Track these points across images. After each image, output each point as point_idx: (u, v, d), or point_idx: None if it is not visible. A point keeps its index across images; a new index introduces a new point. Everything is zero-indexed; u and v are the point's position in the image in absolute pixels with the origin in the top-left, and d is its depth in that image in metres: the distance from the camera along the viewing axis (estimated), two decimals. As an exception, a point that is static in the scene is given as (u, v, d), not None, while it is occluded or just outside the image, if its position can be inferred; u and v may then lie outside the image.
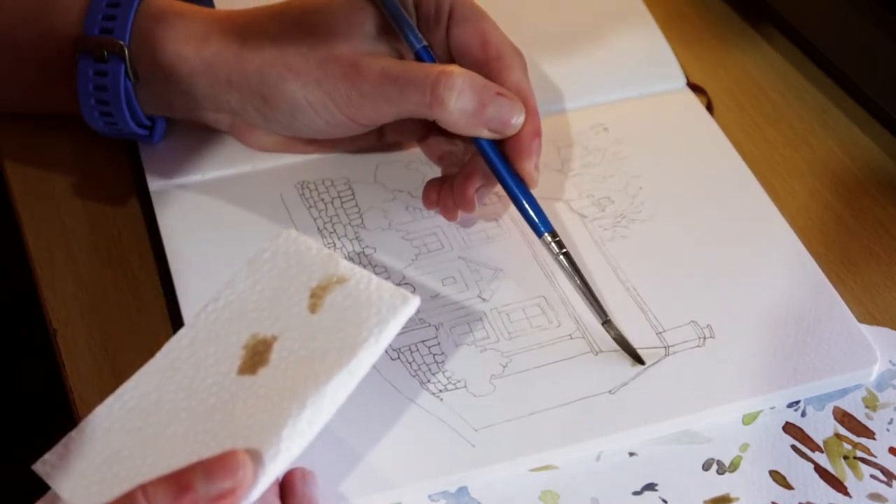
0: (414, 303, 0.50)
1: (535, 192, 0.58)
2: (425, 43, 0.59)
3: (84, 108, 0.60)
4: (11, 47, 0.61)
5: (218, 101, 0.60)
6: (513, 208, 0.59)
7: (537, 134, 0.58)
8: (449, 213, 0.60)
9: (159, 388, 0.50)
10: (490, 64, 0.59)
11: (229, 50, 0.59)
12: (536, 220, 0.58)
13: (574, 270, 0.57)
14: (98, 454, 0.48)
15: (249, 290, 0.52)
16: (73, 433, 0.49)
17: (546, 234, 0.57)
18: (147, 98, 0.60)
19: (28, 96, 0.64)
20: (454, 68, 0.57)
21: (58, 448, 0.49)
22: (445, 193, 0.60)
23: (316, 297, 0.51)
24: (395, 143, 0.65)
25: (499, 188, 0.60)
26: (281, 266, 0.52)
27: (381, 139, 0.65)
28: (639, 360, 0.56)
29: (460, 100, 0.56)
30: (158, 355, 0.51)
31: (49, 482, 0.48)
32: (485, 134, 0.57)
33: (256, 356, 0.50)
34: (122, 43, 0.58)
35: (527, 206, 0.58)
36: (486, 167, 0.59)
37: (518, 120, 0.57)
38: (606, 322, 0.57)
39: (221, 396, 0.49)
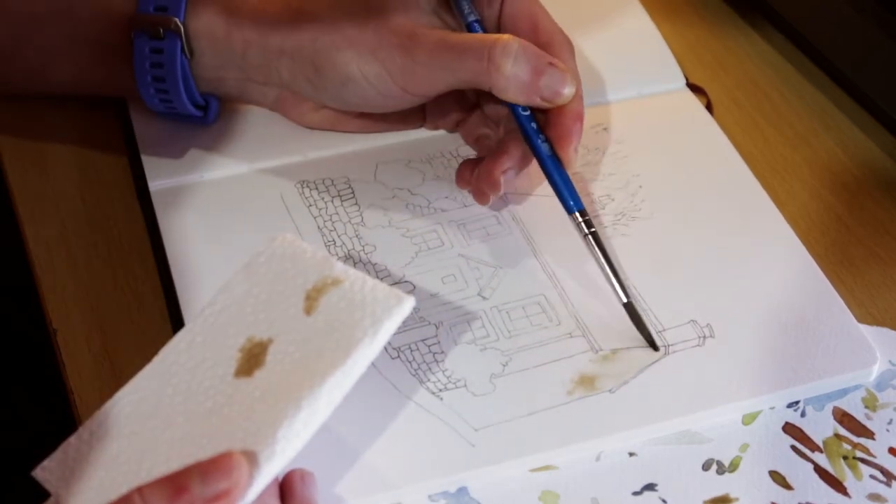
0: (409, 303, 0.50)
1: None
2: (478, 17, 0.60)
3: (141, 87, 0.61)
4: (69, 24, 0.62)
5: (269, 72, 0.61)
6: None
7: (579, 117, 0.59)
8: (481, 196, 0.61)
9: (156, 392, 0.50)
10: (540, 47, 0.60)
11: (285, 19, 0.60)
12: (568, 196, 0.58)
13: (601, 250, 0.57)
14: (96, 459, 0.48)
15: (245, 293, 0.52)
16: (72, 439, 0.49)
17: (576, 213, 0.58)
18: (200, 74, 0.61)
19: (80, 77, 0.64)
20: (509, 36, 0.58)
21: (57, 454, 0.49)
22: (478, 175, 0.61)
23: (311, 300, 0.51)
24: (436, 127, 0.66)
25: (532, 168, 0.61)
26: (276, 269, 0.52)
27: (423, 124, 0.66)
28: (653, 345, 0.57)
29: (516, 66, 0.57)
30: (155, 360, 0.51)
31: (48, 488, 0.48)
32: (537, 102, 0.58)
33: (252, 359, 0.50)
34: (177, 20, 0.59)
35: (560, 182, 0.59)
36: (515, 150, 0.60)
37: (569, 91, 0.58)
38: (628, 303, 0.57)
39: (218, 400, 0.49)
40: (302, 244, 0.53)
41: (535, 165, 0.60)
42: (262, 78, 0.61)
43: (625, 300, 0.57)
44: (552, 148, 0.59)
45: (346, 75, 0.59)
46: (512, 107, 0.59)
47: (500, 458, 0.53)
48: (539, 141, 0.59)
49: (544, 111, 0.59)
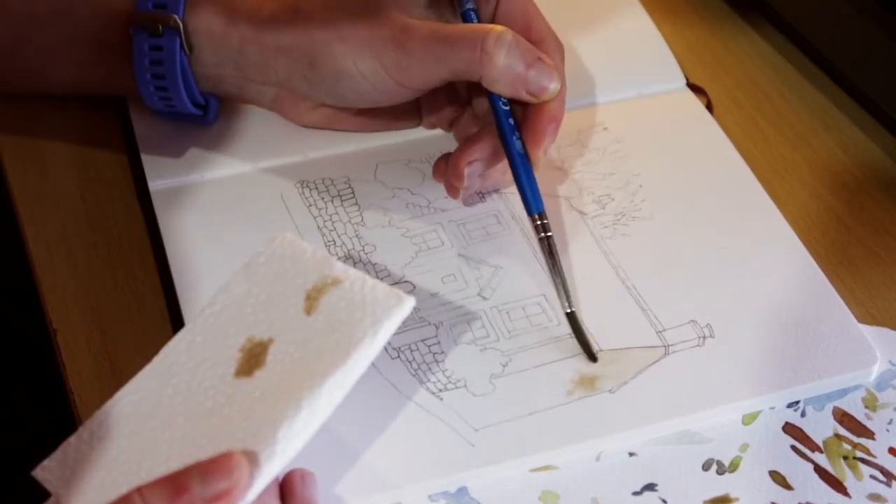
0: (409, 303, 0.50)
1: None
2: (474, 5, 0.61)
3: (141, 85, 0.61)
4: (69, 24, 0.62)
5: (266, 71, 0.61)
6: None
7: (556, 119, 0.59)
8: (450, 189, 0.61)
9: (156, 392, 0.50)
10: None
11: (281, 17, 0.60)
12: (530, 197, 0.59)
13: (551, 256, 0.58)
14: (96, 459, 0.48)
15: (245, 293, 0.52)
16: (72, 439, 0.49)
17: (535, 214, 0.58)
18: (199, 72, 0.61)
19: (80, 77, 0.64)
20: (502, 27, 0.58)
21: (57, 454, 0.49)
22: (448, 167, 0.61)
23: (311, 300, 0.51)
24: (432, 125, 0.67)
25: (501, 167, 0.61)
26: (276, 269, 0.52)
27: (419, 122, 0.66)
28: (592, 357, 0.56)
29: (509, 56, 0.57)
30: (155, 360, 0.51)
31: (48, 488, 0.48)
32: (523, 95, 0.59)
33: (252, 359, 0.50)
34: (176, 16, 0.59)
35: (525, 181, 0.59)
36: (486, 145, 0.60)
37: (555, 87, 0.59)
38: (570, 313, 0.57)
39: (218, 400, 0.49)
40: (302, 244, 0.53)
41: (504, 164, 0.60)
42: (259, 77, 0.61)
43: (568, 310, 0.57)
44: (524, 146, 0.59)
45: (341, 70, 0.59)
46: (492, 100, 0.60)
47: (500, 458, 0.53)
48: (513, 137, 0.59)
49: (524, 108, 0.60)
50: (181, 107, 0.62)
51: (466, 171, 0.60)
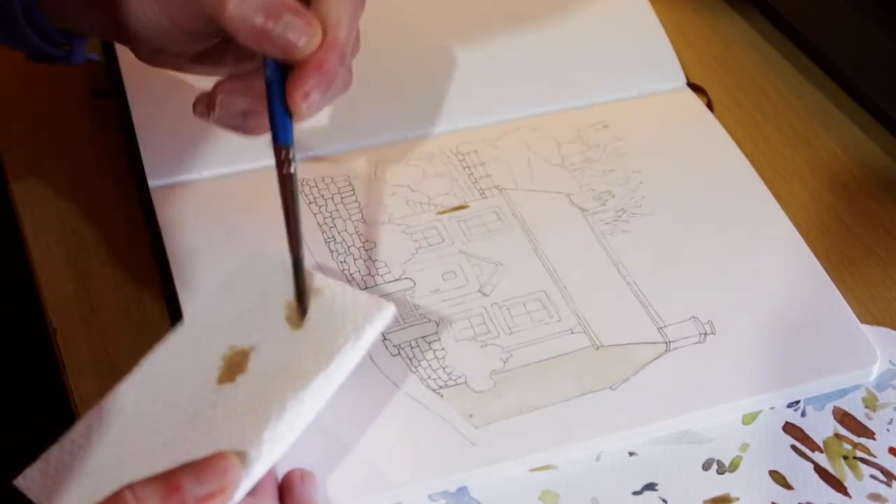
0: (389, 310, 0.50)
1: (539, 185, 0.59)
2: None
3: None
4: None
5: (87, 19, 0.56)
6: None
7: (320, 68, 0.51)
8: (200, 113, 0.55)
9: (138, 402, 0.50)
10: None
11: None
12: (279, 126, 0.51)
13: (291, 197, 0.50)
14: (79, 468, 0.48)
15: (226, 306, 0.52)
16: (54, 448, 0.49)
17: (281, 145, 0.51)
18: (48, 8, 0.56)
19: None
20: None
21: (38, 463, 0.49)
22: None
23: (292, 309, 0.51)
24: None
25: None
26: (256, 283, 0.53)
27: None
28: (302, 313, 0.51)
29: (242, 7, 0.50)
30: (136, 370, 0.51)
31: (30, 496, 0.48)
32: (272, 52, 0.51)
33: (235, 366, 0.50)
34: None
35: (276, 110, 0.51)
36: (249, 81, 0.54)
37: (307, 44, 0.50)
38: (297, 260, 0.51)
39: (200, 406, 0.49)
40: (280, 259, 0.53)
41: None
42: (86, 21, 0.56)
43: (297, 256, 0.51)
44: (282, 76, 0.52)
45: (127, 5, 0.53)
46: None
47: (501, 458, 0.53)
48: (271, 68, 0.52)
49: None
50: (30, 43, 0.57)
51: (220, 98, 0.54)
